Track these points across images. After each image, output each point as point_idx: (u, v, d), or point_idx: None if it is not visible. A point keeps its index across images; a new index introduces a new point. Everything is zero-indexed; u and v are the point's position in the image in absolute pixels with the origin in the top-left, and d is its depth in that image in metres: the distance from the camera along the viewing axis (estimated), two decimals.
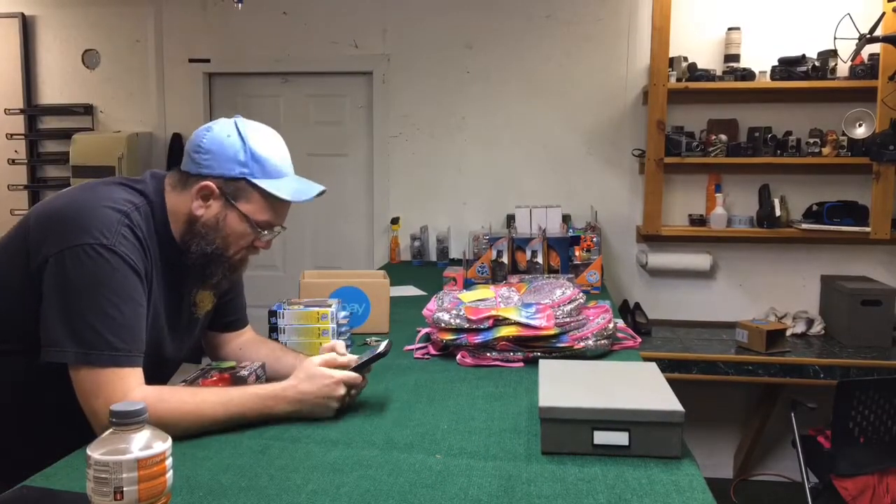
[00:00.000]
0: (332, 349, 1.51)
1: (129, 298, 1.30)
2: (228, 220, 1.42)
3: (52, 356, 1.26)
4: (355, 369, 1.46)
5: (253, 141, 1.43)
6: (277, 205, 1.45)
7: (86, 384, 1.26)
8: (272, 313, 1.90)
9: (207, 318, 1.65)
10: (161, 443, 0.92)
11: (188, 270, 1.46)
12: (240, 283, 1.72)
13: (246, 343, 1.73)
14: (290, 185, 1.46)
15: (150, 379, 1.35)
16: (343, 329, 1.96)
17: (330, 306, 1.92)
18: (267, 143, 1.46)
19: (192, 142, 1.44)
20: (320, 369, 1.42)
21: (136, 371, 1.29)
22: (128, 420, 0.90)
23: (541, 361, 1.56)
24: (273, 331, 1.89)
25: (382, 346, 1.51)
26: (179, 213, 1.43)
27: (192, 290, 1.54)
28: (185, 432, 1.30)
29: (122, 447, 0.89)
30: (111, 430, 0.91)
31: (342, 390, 1.42)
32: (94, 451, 0.89)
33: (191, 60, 4.02)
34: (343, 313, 2.01)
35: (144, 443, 0.90)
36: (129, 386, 1.27)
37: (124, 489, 0.87)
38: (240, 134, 1.42)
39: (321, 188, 1.51)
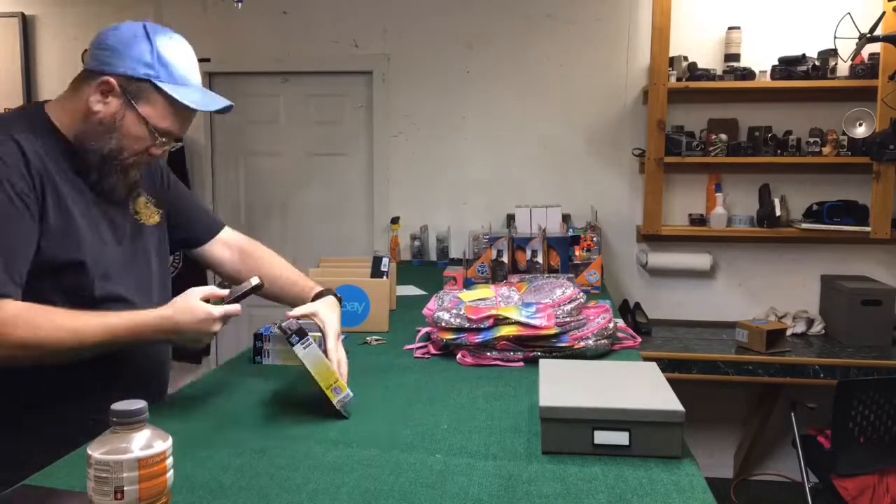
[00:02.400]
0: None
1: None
2: (126, 120, 1.38)
3: None
4: (231, 302, 1.45)
5: (161, 44, 1.40)
6: (180, 112, 1.42)
7: None
8: (258, 336, 1.88)
9: (163, 232, 1.62)
10: (161, 442, 0.92)
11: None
12: (185, 191, 1.71)
13: (244, 252, 1.76)
14: (195, 94, 1.43)
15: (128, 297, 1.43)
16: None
17: (320, 329, 1.90)
18: (176, 48, 1.43)
19: (97, 39, 1.41)
20: (200, 304, 1.39)
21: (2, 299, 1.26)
22: (128, 419, 0.90)
23: (541, 361, 1.56)
24: (257, 354, 1.88)
25: (255, 280, 1.50)
26: (76, 109, 1.39)
27: (128, 200, 1.52)
28: (50, 351, 1.29)
29: (123, 446, 0.89)
30: (111, 429, 0.91)
31: (218, 326, 1.40)
32: (95, 451, 0.89)
33: None
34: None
35: (145, 442, 0.90)
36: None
37: (125, 489, 0.87)
38: (147, 36, 1.40)
39: (228, 102, 1.49)
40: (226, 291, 1.46)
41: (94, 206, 1.43)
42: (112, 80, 1.37)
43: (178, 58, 1.42)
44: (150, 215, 1.58)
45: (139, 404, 0.91)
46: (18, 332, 1.25)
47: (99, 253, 1.41)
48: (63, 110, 1.41)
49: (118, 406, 0.91)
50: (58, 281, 1.36)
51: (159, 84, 1.38)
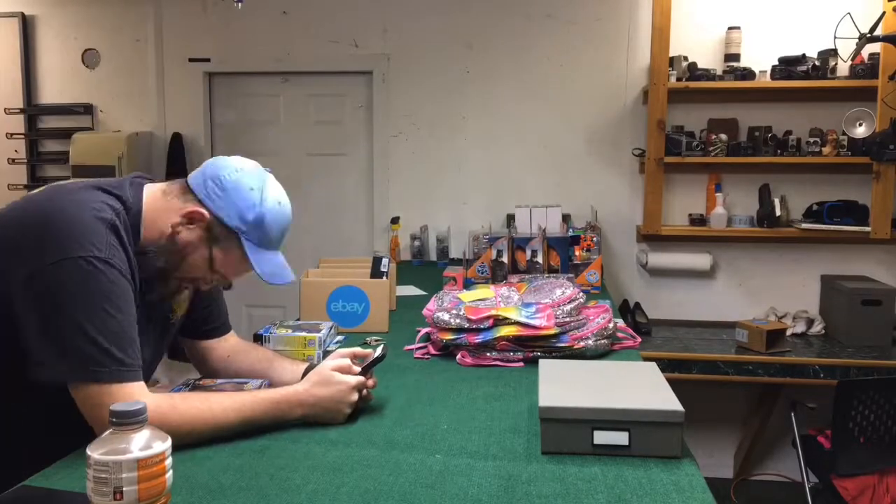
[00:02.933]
0: (345, 356, 1.50)
1: (127, 313, 1.26)
2: (196, 253, 1.38)
3: (44, 375, 1.20)
4: (360, 373, 1.47)
5: (267, 207, 1.40)
6: (244, 268, 1.43)
7: (93, 401, 1.20)
8: (258, 337, 1.88)
9: (180, 323, 1.59)
10: (161, 443, 0.92)
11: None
12: (218, 289, 1.63)
13: (233, 350, 1.68)
14: (270, 262, 1.44)
15: None
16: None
17: (320, 331, 1.91)
18: (279, 215, 1.44)
19: (217, 170, 1.39)
20: (335, 374, 1.42)
21: (140, 385, 1.26)
22: (128, 420, 0.90)
23: (541, 361, 1.56)
24: None
25: (380, 350, 1.52)
26: (161, 219, 1.37)
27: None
28: (199, 439, 1.29)
29: (122, 447, 0.89)
30: (111, 430, 0.91)
31: (355, 396, 1.43)
32: (94, 451, 0.89)
33: (191, 60, 4.02)
34: (338, 338, 2.01)
35: (144, 443, 0.90)
36: (135, 398, 1.22)
37: (124, 489, 0.87)
38: (262, 193, 1.40)
39: (292, 278, 1.49)
40: (358, 368, 1.48)
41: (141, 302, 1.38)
42: (207, 214, 1.36)
43: (275, 225, 1.43)
44: (182, 305, 1.55)
45: (139, 405, 0.91)
46: (172, 420, 1.24)
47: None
48: (157, 214, 1.37)
49: (118, 407, 0.91)
50: None
51: (244, 242, 1.39)
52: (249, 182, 1.39)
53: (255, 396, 1.38)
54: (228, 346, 1.69)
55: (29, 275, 1.20)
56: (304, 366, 1.60)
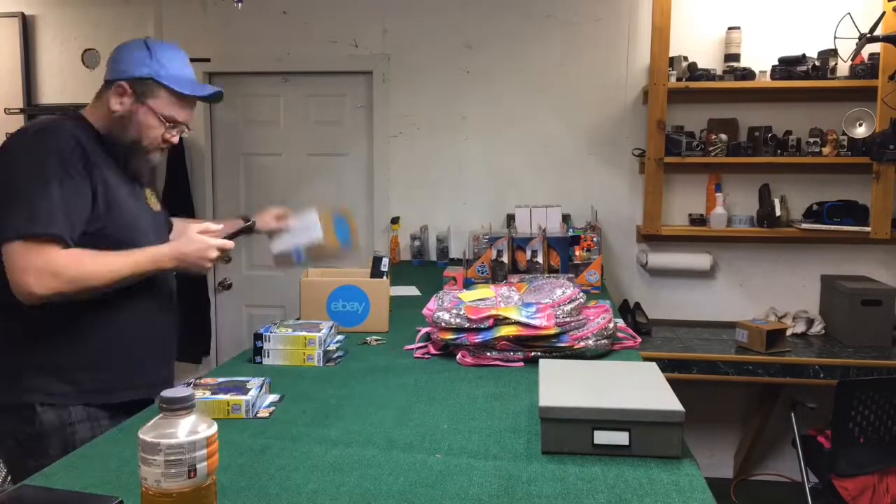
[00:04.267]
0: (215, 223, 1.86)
1: (58, 182, 1.58)
2: (139, 114, 1.72)
3: None
4: (227, 237, 1.81)
5: (157, 50, 1.74)
6: (181, 101, 1.75)
7: (13, 256, 1.56)
8: (258, 336, 1.89)
9: (164, 216, 1.95)
10: (208, 424, 0.97)
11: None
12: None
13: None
14: (189, 85, 1.77)
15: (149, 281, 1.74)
16: (336, 356, 1.93)
17: (321, 330, 1.91)
18: (170, 51, 1.77)
19: (110, 56, 1.75)
20: (198, 235, 1.74)
21: (56, 248, 1.57)
22: (177, 406, 0.95)
23: (541, 361, 1.56)
24: (257, 354, 1.89)
25: (246, 221, 1.94)
26: (103, 114, 1.73)
27: (142, 190, 1.84)
28: (94, 286, 1.61)
29: (171, 431, 0.93)
30: (160, 415, 0.95)
31: (214, 252, 1.75)
32: (148, 436, 0.93)
33: (191, 60, 4.00)
34: (338, 337, 2.01)
35: (191, 426, 0.95)
36: (50, 252, 1.56)
37: (196, 466, 0.94)
38: (146, 45, 1.74)
39: (217, 89, 1.83)
40: (219, 226, 1.84)
41: (126, 184, 1.76)
42: (123, 83, 1.71)
43: (172, 58, 1.76)
44: (155, 203, 1.91)
45: (187, 391, 0.97)
46: (69, 271, 1.57)
47: (141, 218, 1.77)
48: (92, 114, 1.75)
49: (168, 393, 0.96)
50: (110, 241, 1.66)
51: (159, 80, 1.72)
52: (133, 46, 1.75)
53: (142, 252, 1.68)
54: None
55: None
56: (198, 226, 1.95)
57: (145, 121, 1.72)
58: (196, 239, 1.73)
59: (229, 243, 1.79)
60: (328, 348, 1.90)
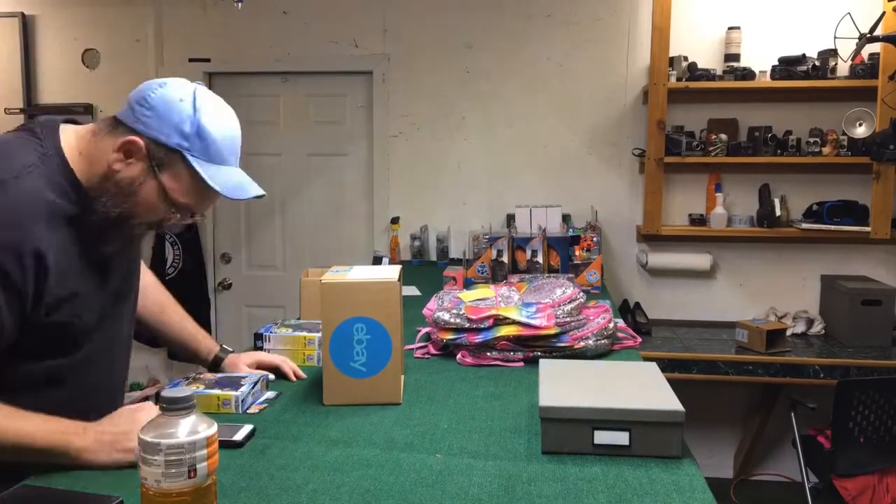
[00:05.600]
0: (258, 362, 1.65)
1: None
2: (145, 187, 1.25)
3: None
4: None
5: (205, 115, 1.26)
6: (204, 192, 1.28)
7: None
8: (258, 336, 1.86)
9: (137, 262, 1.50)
10: (207, 424, 0.97)
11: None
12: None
13: (145, 288, 1.59)
14: (227, 177, 1.29)
15: (109, 357, 1.37)
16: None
17: (321, 330, 1.81)
18: (220, 122, 1.29)
19: (140, 92, 1.27)
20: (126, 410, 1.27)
21: None
22: (177, 406, 0.94)
23: (541, 361, 1.56)
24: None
25: (242, 434, 1.36)
26: (95, 160, 1.26)
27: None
28: None
29: (171, 431, 0.93)
30: (160, 415, 0.95)
31: (133, 443, 1.18)
32: (148, 436, 0.93)
33: (191, 60, 4.02)
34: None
35: (192, 426, 0.95)
36: None
37: (196, 466, 0.94)
38: (194, 103, 1.26)
39: (260, 192, 1.36)
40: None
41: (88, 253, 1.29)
42: (140, 141, 1.24)
43: (220, 133, 1.29)
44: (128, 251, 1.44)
45: (187, 391, 0.96)
46: None
47: (93, 301, 1.31)
48: (81, 154, 1.27)
49: (168, 393, 0.95)
50: (51, 333, 1.25)
51: (190, 158, 1.25)
52: (177, 94, 1.26)
53: (40, 427, 1.19)
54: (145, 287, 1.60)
55: None
56: (216, 349, 1.71)
57: (149, 199, 1.26)
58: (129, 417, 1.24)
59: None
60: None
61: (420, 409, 1.54)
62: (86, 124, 1.33)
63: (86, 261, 1.28)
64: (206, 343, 1.72)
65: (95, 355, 1.35)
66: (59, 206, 1.22)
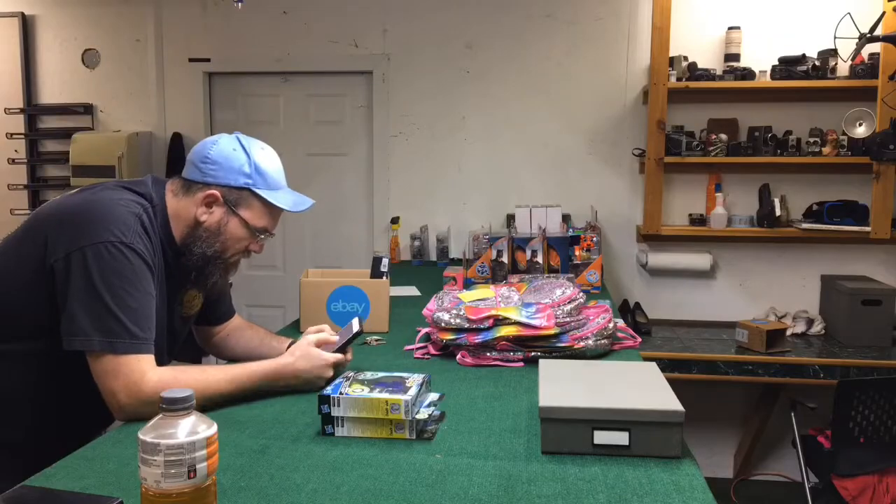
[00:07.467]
0: (321, 330, 1.68)
1: (145, 292, 1.43)
2: (230, 225, 1.57)
3: (76, 345, 1.38)
4: (338, 350, 1.63)
5: (256, 155, 1.59)
6: (274, 213, 1.62)
7: (107, 368, 1.38)
8: (324, 399, 1.36)
9: (194, 318, 1.77)
10: (208, 424, 0.97)
11: (178, 273, 1.59)
12: (226, 282, 1.81)
13: (232, 330, 1.89)
14: (287, 197, 1.63)
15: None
16: (429, 426, 1.41)
17: (408, 389, 1.38)
18: (268, 158, 1.62)
19: (198, 152, 1.58)
20: (315, 350, 1.59)
21: (150, 357, 1.42)
22: (177, 406, 0.95)
23: (541, 361, 1.56)
24: (327, 423, 1.37)
25: (355, 325, 1.67)
26: (182, 217, 1.56)
27: (180, 292, 1.65)
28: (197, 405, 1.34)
29: (171, 431, 0.93)
30: (160, 415, 0.95)
31: (331, 371, 1.59)
32: (148, 436, 0.93)
33: (191, 60, 4.02)
34: (433, 396, 1.49)
35: (191, 426, 0.95)
36: (144, 369, 1.40)
37: (196, 466, 0.94)
38: (244, 148, 1.58)
39: (312, 201, 1.68)
40: (336, 337, 1.66)
41: (166, 291, 1.59)
42: (216, 192, 1.55)
43: (270, 166, 1.61)
44: (195, 304, 1.73)
45: (187, 392, 0.97)
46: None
47: (161, 335, 1.55)
48: (177, 214, 1.56)
49: (168, 394, 0.96)
50: None
51: (257, 191, 1.57)
52: (229, 145, 1.58)
53: (245, 369, 1.53)
54: (230, 327, 1.89)
55: (64, 257, 1.39)
56: (288, 342, 1.80)
57: (235, 233, 1.58)
58: (313, 355, 1.57)
59: (342, 358, 1.62)
60: (417, 414, 1.38)
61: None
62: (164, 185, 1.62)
63: (161, 299, 1.55)
64: (279, 349, 1.81)
65: None
66: (158, 251, 1.53)
